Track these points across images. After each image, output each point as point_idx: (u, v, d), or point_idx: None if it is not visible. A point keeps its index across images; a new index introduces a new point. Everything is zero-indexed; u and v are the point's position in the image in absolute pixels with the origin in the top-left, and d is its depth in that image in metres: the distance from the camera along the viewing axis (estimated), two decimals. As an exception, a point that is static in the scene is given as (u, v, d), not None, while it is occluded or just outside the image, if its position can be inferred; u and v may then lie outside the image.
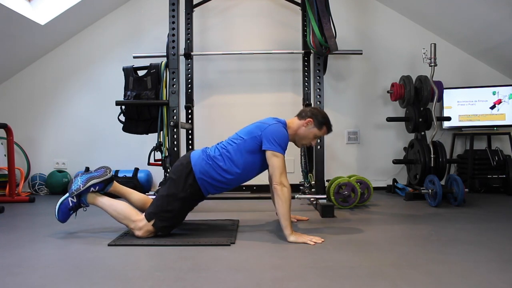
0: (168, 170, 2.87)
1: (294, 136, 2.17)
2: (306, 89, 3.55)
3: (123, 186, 2.25)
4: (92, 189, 2.09)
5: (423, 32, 3.90)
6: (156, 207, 2.02)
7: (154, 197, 2.15)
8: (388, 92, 3.67)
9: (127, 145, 3.81)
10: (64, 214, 2.08)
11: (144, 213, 2.04)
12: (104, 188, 2.14)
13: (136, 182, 3.61)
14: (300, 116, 2.17)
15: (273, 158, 2.00)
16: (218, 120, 3.93)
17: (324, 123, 2.15)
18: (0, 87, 3.92)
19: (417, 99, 3.45)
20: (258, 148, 2.04)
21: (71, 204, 2.08)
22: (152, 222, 1.99)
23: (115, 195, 2.21)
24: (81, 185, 2.06)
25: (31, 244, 1.96)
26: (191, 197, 2.07)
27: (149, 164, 2.99)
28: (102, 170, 2.14)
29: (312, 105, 3.00)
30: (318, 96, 2.85)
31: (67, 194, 2.10)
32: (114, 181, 2.20)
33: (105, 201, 2.08)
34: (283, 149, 2.03)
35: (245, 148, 2.05)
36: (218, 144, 2.16)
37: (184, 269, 1.56)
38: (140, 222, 2.00)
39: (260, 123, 2.11)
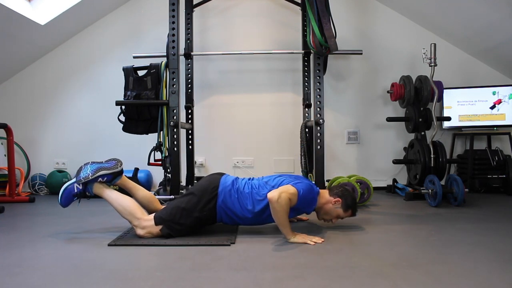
0: (168, 170, 2.88)
1: (319, 209, 2.15)
2: (306, 89, 3.55)
3: (131, 181, 2.23)
4: (100, 179, 2.07)
5: (423, 32, 3.90)
6: (168, 215, 2.00)
7: (161, 197, 2.12)
8: (388, 92, 3.67)
9: (127, 145, 3.81)
10: (67, 199, 2.06)
11: (153, 214, 2.03)
12: (112, 180, 2.12)
13: (136, 182, 3.59)
14: (331, 192, 2.15)
15: (288, 185, 1.98)
16: (218, 120, 3.93)
17: (351, 207, 2.13)
18: (0, 87, 3.92)
19: (417, 99, 3.45)
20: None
21: (76, 190, 2.06)
22: (159, 227, 1.99)
23: (121, 188, 2.19)
24: (90, 174, 2.05)
25: (31, 244, 1.96)
26: (205, 219, 2.05)
27: (149, 164, 2.99)
28: (114, 162, 2.13)
29: (312, 105, 3.00)
30: (318, 96, 2.85)
31: (73, 180, 2.08)
32: (123, 175, 2.18)
33: (111, 194, 2.06)
34: (302, 199, 1.97)
35: None
36: (250, 180, 2.15)
37: (184, 269, 1.56)
38: (145, 222, 2.00)
39: (296, 177, 2.11)
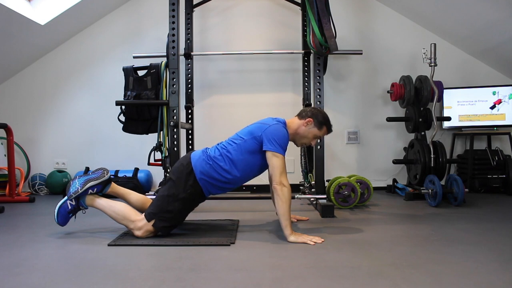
0: (168, 170, 2.87)
1: (294, 136, 2.17)
2: (306, 89, 3.55)
3: (121, 187, 2.25)
4: (90, 191, 2.09)
5: (423, 32, 3.90)
6: (156, 207, 2.02)
7: (154, 197, 2.15)
8: (388, 92, 3.67)
9: (127, 145, 3.81)
10: (64, 217, 2.09)
11: (144, 213, 2.04)
12: (102, 189, 2.14)
13: (136, 182, 3.60)
14: (300, 115, 2.17)
15: (273, 158, 2.00)
16: (218, 120, 3.93)
17: (324, 123, 2.15)
18: (0, 87, 3.92)
19: (417, 99, 3.45)
20: (258, 149, 2.04)
21: (70, 207, 2.08)
22: (152, 222, 1.99)
23: (114, 196, 2.21)
24: (79, 188, 2.06)
25: (31, 244, 1.96)
26: (192, 197, 2.07)
27: (149, 164, 2.99)
28: (100, 172, 2.14)
29: (312, 105, 3.00)
30: (318, 96, 2.85)
31: (65, 198, 2.10)
32: (112, 182, 2.20)
33: (103, 202, 2.09)
34: (283, 149, 2.03)
35: (246, 148, 2.06)
36: (218, 144, 2.17)
37: (184, 269, 1.56)
38: (140, 222, 2.00)
39: (260, 124, 2.12)
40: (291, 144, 2.19)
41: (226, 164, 2.05)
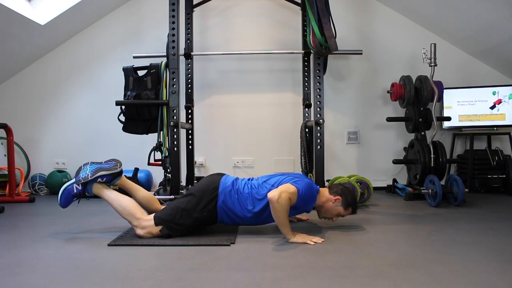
0: (169, 170, 2.88)
1: (320, 207, 2.15)
2: (306, 89, 3.55)
3: (131, 182, 2.23)
4: (99, 179, 2.08)
5: (423, 32, 3.90)
6: (168, 216, 2.01)
7: (161, 197, 2.12)
8: (388, 92, 3.67)
9: (127, 145, 3.81)
10: (67, 200, 2.07)
11: (153, 214, 2.03)
12: (111, 180, 2.12)
13: (136, 182, 3.59)
14: (331, 190, 2.15)
15: (288, 184, 1.98)
16: (218, 120, 3.93)
17: (351, 205, 2.13)
18: (0, 87, 3.92)
19: (417, 99, 3.45)
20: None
21: (75, 191, 2.06)
22: (159, 228, 1.99)
23: (121, 189, 2.19)
24: (89, 174, 2.05)
25: (31, 244, 1.96)
26: (204, 219, 2.06)
27: (149, 164, 2.99)
28: (113, 163, 2.13)
29: (312, 105, 3.00)
30: (318, 96, 2.85)
31: (72, 180, 2.08)
32: (123, 175, 2.18)
33: (111, 194, 2.06)
34: (301, 198, 1.97)
35: None
36: (249, 179, 2.15)
37: (184, 269, 1.56)
38: (145, 222, 2.00)
39: (295, 176, 2.10)
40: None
41: (249, 204, 2.04)
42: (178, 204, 2.04)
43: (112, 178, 2.12)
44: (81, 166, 2.10)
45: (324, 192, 2.15)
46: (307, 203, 2.07)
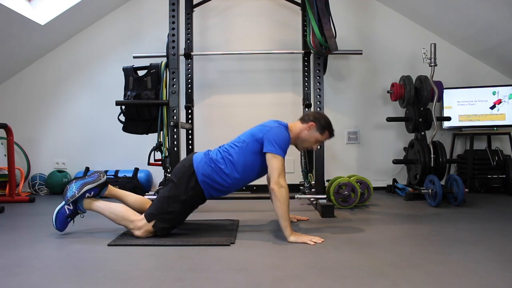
0: (169, 170, 2.87)
1: (296, 139, 2.17)
2: (306, 89, 3.55)
3: (119, 189, 2.25)
4: (87, 194, 2.09)
5: (423, 32, 3.90)
6: (156, 208, 2.02)
7: (154, 197, 2.15)
8: (388, 92, 3.67)
9: (127, 145, 3.81)
10: (62, 223, 2.09)
11: (143, 213, 2.04)
12: (99, 192, 2.15)
13: (136, 182, 3.61)
14: (303, 119, 2.17)
15: (272, 159, 2.00)
16: (218, 120, 3.93)
17: (326, 128, 2.15)
18: (0, 87, 3.92)
19: (417, 99, 3.45)
20: (259, 151, 2.05)
21: (68, 212, 2.08)
22: (152, 223, 1.99)
23: (111, 199, 2.21)
24: (76, 192, 2.07)
25: (31, 244, 1.96)
26: (193, 199, 2.06)
27: (149, 164, 2.99)
28: (96, 175, 2.14)
29: (312, 105, 3.00)
30: (318, 96, 2.85)
31: (63, 202, 2.10)
32: (109, 185, 2.20)
33: (101, 205, 2.09)
34: (283, 151, 2.03)
35: (247, 151, 2.06)
36: (220, 147, 2.16)
37: (184, 269, 1.56)
38: (139, 222, 2.00)
39: (261, 126, 2.12)
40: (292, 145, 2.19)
41: (227, 168, 2.05)
42: (162, 194, 2.07)
43: (99, 190, 2.14)
44: (67, 186, 2.12)
45: (296, 124, 2.18)
46: (287, 144, 2.07)
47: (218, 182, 2.06)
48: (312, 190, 2.92)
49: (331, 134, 2.19)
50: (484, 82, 3.80)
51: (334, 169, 3.81)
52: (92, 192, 2.11)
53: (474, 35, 3.60)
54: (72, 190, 2.08)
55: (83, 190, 2.07)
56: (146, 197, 2.31)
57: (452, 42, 3.89)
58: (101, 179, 2.13)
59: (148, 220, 2.00)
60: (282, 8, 3.89)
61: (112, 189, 2.21)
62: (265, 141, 2.02)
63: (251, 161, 2.06)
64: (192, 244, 1.91)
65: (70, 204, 2.08)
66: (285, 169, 2.03)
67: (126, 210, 2.07)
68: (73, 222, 2.14)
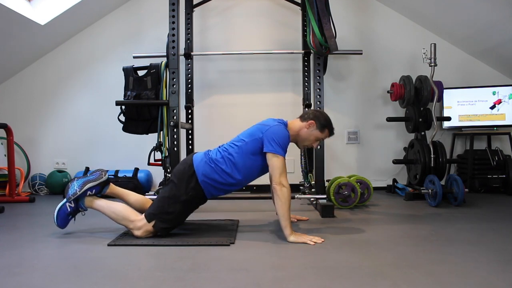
0: (169, 170, 2.87)
1: (296, 138, 2.16)
2: (306, 89, 3.55)
3: (120, 188, 2.25)
4: (89, 192, 2.10)
5: (423, 32, 3.90)
6: (156, 209, 2.02)
7: (154, 197, 2.15)
8: (388, 92, 3.67)
9: (127, 145, 3.81)
10: (63, 220, 2.09)
11: (144, 213, 2.04)
12: (101, 190, 2.15)
13: (136, 182, 3.60)
14: (303, 118, 2.17)
15: (273, 159, 2.00)
16: (218, 120, 3.93)
17: (326, 126, 2.15)
18: (0, 87, 3.92)
19: (417, 99, 3.45)
20: (259, 150, 2.04)
21: (69, 209, 2.09)
22: (152, 223, 1.99)
23: (112, 197, 2.21)
24: (78, 190, 2.06)
25: (31, 244, 1.96)
26: (193, 199, 2.06)
27: (149, 164, 2.99)
28: (98, 173, 2.14)
29: (312, 105, 3.00)
30: (318, 96, 2.85)
31: (64, 200, 2.10)
32: (111, 183, 2.20)
33: (102, 203, 2.09)
34: (283, 150, 2.03)
35: (247, 150, 2.05)
36: (220, 146, 2.16)
37: (184, 269, 1.56)
38: (139, 222, 2.00)
39: (261, 125, 2.12)
40: (292, 145, 2.19)
41: (227, 167, 2.05)
42: (163, 194, 2.07)
43: (101, 188, 2.14)
44: (69, 184, 2.12)
45: (295, 122, 2.17)
46: (287, 143, 2.08)
47: (218, 181, 2.06)
48: (312, 190, 2.92)
49: (331, 132, 2.18)
50: (484, 82, 3.80)
51: (334, 169, 3.81)
52: (94, 190, 2.11)
53: (474, 35, 3.60)
54: (74, 188, 2.08)
55: (84, 188, 2.07)
56: (147, 197, 2.31)
57: (452, 42, 3.89)
58: (102, 177, 2.13)
59: (148, 220, 2.00)
60: (282, 8, 3.89)
61: (113, 188, 2.21)
62: (264, 140, 2.02)
63: (252, 161, 2.06)
64: (192, 244, 1.91)
65: (72, 201, 2.08)
66: (286, 168, 2.03)
67: (127, 209, 2.07)
68: (74, 219, 2.14)
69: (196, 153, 2.18)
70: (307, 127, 2.13)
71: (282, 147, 2.02)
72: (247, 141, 2.07)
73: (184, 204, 2.03)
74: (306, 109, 3.51)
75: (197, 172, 2.04)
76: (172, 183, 2.07)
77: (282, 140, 2.03)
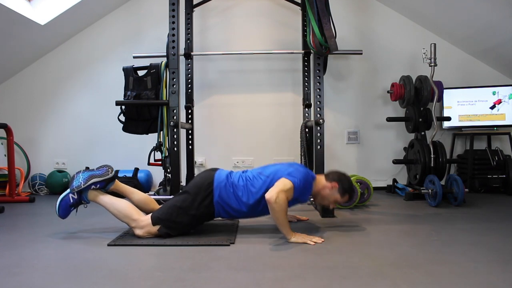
0: (169, 170, 2.87)
1: (316, 194, 2.15)
2: (306, 89, 3.55)
3: (125, 185, 2.24)
4: (93, 186, 2.09)
5: (423, 32, 3.90)
6: (165, 214, 2.01)
7: (155, 197, 2.14)
8: (388, 92, 3.67)
9: (127, 145, 3.81)
10: (65, 210, 2.09)
11: (150, 214, 2.03)
12: (105, 186, 2.14)
13: (136, 182, 3.60)
14: (328, 177, 2.14)
15: (282, 179, 1.97)
16: (218, 120, 3.93)
17: (347, 192, 2.12)
18: (0, 87, 3.92)
19: (417, 99, 3.45)
20: None
21: (71, 201, 2.08)
22: (157, 227, 1.99)
23: (116, 193, 2.20)
24: (82, 183, 2.06)
25: (31, 244, 1.96)
26: (202, 216, 2.06)
27: (149, 164, 2.99)
28: (104, 169, 2.14)
29: (312, 105, 3.00)
30: (318, 96, 2.85)
31: (68, 190, 2.09)
32: (116, 180, 2.19)
33: (106, 199, 2.08)
34: (298, 188, 1.97)
35: (268, 187, 2.00)
36: (244, 172, 2.15)
37: (184, 269, 1.56)
38: (142, 222, 2.00)
39: (290, 165, 2.10)
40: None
41: (244, 195, 2.04)
42: (175, 202, 2.05)
43: (105, 184, 2.14)
44: (74, 175, 2.11)
45: (321, 179, 2.15)
46: (305, 193, 2.06)
47: (232, 207, 2.05)
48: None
49: (351, 198, 2.17)
50: (484, 82, 3.80)
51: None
52: (98, 185, 2.10)
53: (474, 35, 3.60)
54: (79, 180, 2.07)
55: (89, 182, 2.07)
56: (150, 196, 2.30)
57: (452, 42, 3.89)
58: (109, 174, 2.13)
59: (154, 223, 1.99)
60: (282, 8, 3.89)
61: (118, 185, 2.20)
62: (285, 174, 2.00)
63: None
64: (192, 244, 1.91)
65: (75, 193, 2.08)
66: (291, 194, 1.96)
67: (130, 207, 2.06)
68: (76, 211, 2.14)
69: (218, 170, 2.15)
70: (330, 188, 2.11)
71: (300, 186, 1.97)
72: (271, 177, 2.02)
73: (192, 218, 2.03)
74: (307, 109, 3.52)
75: (215, 192, 2.04)
76: (187, 194, 2.05)
77: (304, 186, 2.00)
